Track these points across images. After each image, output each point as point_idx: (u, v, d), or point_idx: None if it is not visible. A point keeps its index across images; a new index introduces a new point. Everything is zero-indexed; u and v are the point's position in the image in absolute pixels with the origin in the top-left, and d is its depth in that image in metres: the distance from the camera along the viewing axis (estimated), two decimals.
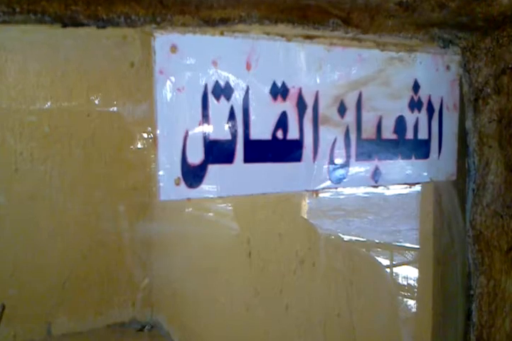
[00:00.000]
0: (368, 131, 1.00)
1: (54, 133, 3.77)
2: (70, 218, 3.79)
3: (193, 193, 0.83)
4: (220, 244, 3.00)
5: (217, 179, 0.85)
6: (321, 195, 1.01)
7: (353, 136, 0.98)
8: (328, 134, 0.95)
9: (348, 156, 0.98)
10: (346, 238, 2.49)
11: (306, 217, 2.23)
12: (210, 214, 3.28)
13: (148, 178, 3.37)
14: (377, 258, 2.43)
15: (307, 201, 2.22)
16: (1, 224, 3.60)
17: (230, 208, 2.99)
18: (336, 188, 0.98)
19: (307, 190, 0.95)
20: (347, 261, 1.95)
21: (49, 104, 3.73)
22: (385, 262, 3.51)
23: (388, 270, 3.08)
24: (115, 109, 3.84)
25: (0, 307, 2.39)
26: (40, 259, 3.73)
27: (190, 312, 3.56)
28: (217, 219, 3.20)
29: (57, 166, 3.81)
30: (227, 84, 0.85)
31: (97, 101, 3.84)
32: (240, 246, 2.69)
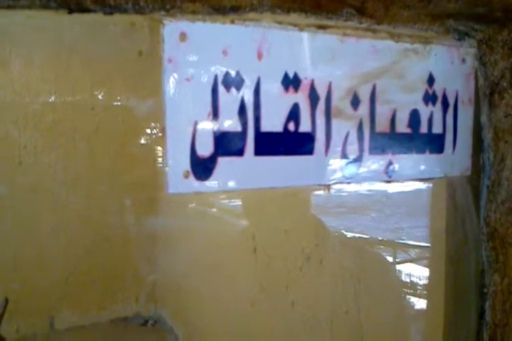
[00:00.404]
0: (382, 125, 0.97)
1: (58, 124, 3.74)
2: (74, 212, 3.77)
3: (202, 186, 0.81)
4: (225, 240, 2.98)
5: (227, 172, 0.83)
6: (332, 189, 0.99)
7: (366, 130, 0.95)
8: (340, 127, 0.93)
9: (361, 150, 0.95)
10: (354, 235, 2.46)
11: (313, 212, 2.20)
12: (215, 209, 3.25)
13: (155, 172, 3.34)
14: (386, 255, 2.40)
15: (315, 196, 2.18)
16: (4, 218, 3.59)
17: (236, 203, 2.96)
18: (348, 183, 0.95)
19: (319, 185, 0.93)
20: (355, 258, 1.93)
21: (53, 94, 3.68)
22: (394, 259, 3.47)
23: (398, 267, 3.04)
24: (122, 99, 3.79)
25: (3, 301, 2.37)
26: (44, 253, 3.70)
27: (194, 307, 3.55)
28: (223, 214, 3.17)
29: (61, 160, 3.78)
30: (238, 74, 0.83)
31: (102, 92, 3.79)
32: (245, 242, 2.66)
